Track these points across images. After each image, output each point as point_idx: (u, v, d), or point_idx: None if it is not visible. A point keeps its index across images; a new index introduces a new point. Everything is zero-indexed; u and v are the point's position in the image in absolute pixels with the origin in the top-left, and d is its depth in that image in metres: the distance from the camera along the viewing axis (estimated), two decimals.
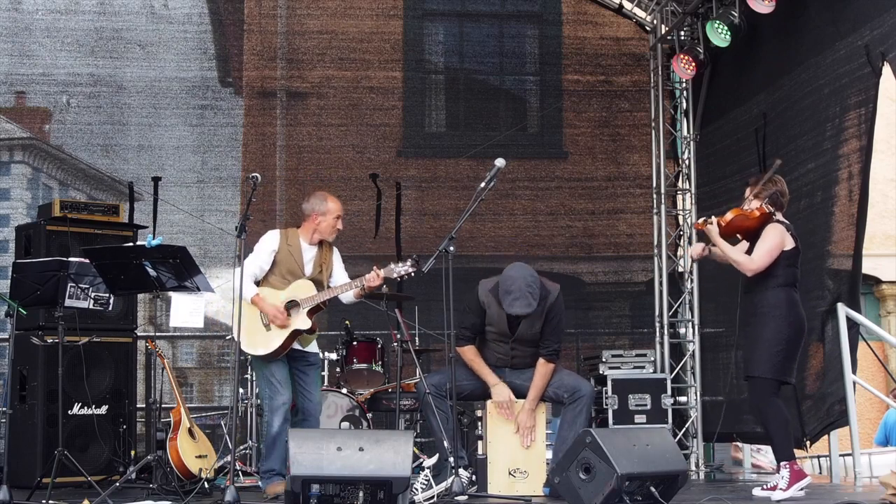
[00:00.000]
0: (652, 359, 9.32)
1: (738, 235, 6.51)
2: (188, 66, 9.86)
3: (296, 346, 6.72)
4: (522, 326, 6.62)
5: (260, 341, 6.60)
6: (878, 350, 8.98)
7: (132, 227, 8.16)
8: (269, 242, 6.77)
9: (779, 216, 6.44)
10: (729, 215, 6.38)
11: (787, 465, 6.24)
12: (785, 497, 6.18)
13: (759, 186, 6.43)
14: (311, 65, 10.07)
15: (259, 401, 7.50)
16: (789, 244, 6.34)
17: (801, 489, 6.19)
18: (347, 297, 6.79)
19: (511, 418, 6.60)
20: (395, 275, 6.60)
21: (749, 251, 6.43)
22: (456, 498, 6.08)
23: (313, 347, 6.89)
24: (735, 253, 6.38)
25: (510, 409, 6.60)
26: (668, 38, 9.74)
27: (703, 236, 6.66)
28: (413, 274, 6.62)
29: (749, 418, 8.26)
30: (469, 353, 6.72)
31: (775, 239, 6.31)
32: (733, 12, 8.34)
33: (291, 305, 6.63)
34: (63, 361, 6.29)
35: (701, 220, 6.40)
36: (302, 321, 6.62)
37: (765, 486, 6.41)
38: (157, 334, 9.47)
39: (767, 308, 6.30)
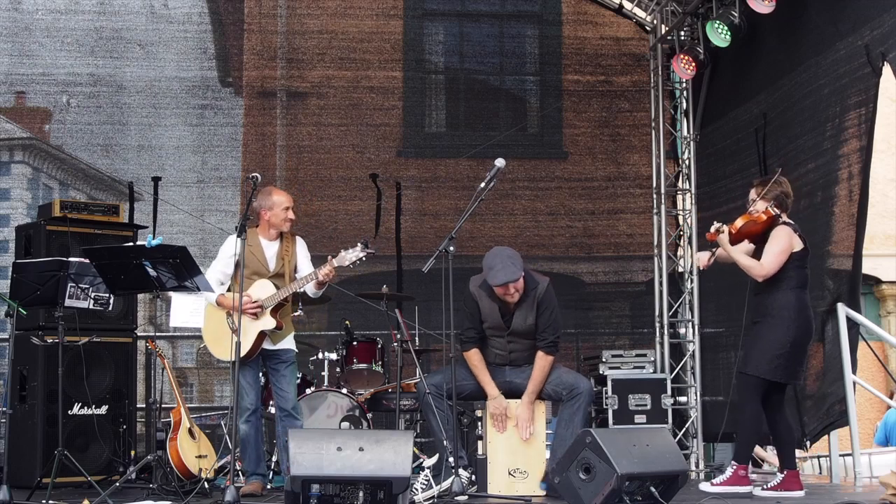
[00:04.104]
0: (652, 359, 9.32)
1: (746, 240, 6.51)
2: (188, 66, 9.86)
3: (267, 345, 6.74)
4: (516, 319, 6.63)
5: (230, 346, 6.51)
6: (878, 350, 8.98)
7: (132, 227, 8.16)
8: (229, 247, 6.73)
9: (784, 217, 6.45)
10: (739, 222, 6.38)
11: (735, 466, 6.35)
12: (712, 491, 6.29)
13: (765, 188, 6.43)
14: (311, 65, 10.06)
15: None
16: (798, 245, 6.35)
17: (733, 494, 6.23)
18: (311, 289, 6.75)
19: (502, 431, 6.59)
20: (346, 262, 6.56)
21: (755, 254, 6.44)
22: (456, 498, 6.08)
23: (287, 343, 6.85)
24: (746, 259, 6.38)
25: (503, 423, 6.59)
26: (668, 38, 9.74)
27: (706, 244, 6.65)
28: (364, 258, 6.57)
29: None
30: (474, 357, 6.71)
31: (784, 242, 6.31)
32: (733, 12, 8.34)
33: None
34: (63, 361, 6.29)
35: (713, 230, 6.38)
36: (266, 321, 6.65)
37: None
38: (157, 334, 9.47)
39: (776, 310, 6.30)
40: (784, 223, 6.39)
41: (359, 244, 6.60)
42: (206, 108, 9.91)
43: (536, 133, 10.60)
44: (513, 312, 6.65)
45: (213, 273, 6.66)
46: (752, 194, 6.50)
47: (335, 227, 9.74)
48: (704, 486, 6.44)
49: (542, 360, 6.63)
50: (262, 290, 6.68)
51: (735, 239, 6.40)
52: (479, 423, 6.87)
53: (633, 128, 10.28)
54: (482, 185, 6.52)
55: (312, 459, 5.15)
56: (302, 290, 6.77)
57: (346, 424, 7.73)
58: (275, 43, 10.05)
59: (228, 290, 6.75)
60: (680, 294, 9.82)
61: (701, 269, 6.76)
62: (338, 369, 8.18)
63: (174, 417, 7.46)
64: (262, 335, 6.69)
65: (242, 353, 6.49)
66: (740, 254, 6.41)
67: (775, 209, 6.38)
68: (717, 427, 9.17)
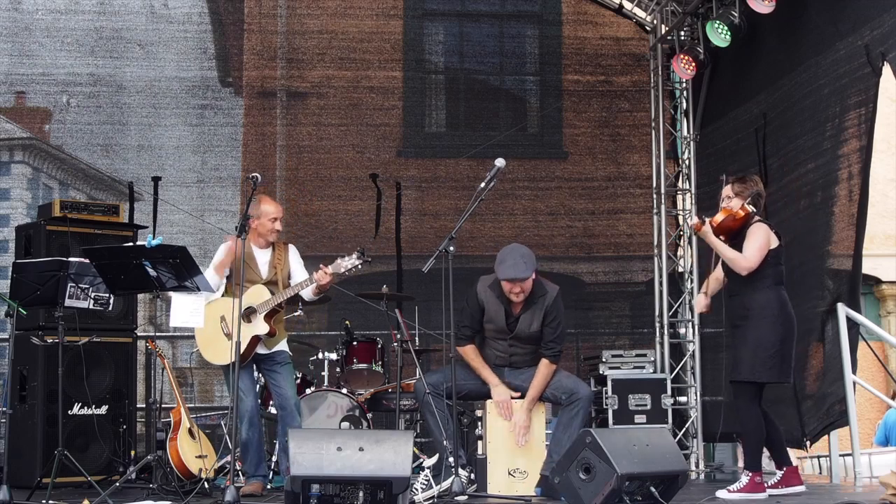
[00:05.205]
0: (652, 359, 9.31)
1: (720, 236, 6.51)
2: (188, 66, 9.86)
3: (261, 350, 6.76)
4: (521, 323, 6.62)
5: (222, 350, 6.58)
6: (878, 350, 8.97)
7: (132, 227, 8.16)
8: (224, 249, 6.80)
9: (757, 216, 6.46)
10: (719, 216, 6.40)
11: (749, 475, 6.30)
12: (730, 498, 6.24)
13: (743, 186, 6.44)
14: (311, 65, 10.07)
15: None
16: (774, 242, 6.36)
17: (751, 501, 6.22)
18: (307, 294, 6.81)
19: (509, 418, 6.60)
20: (342, 269, 6.61)
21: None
22: (456, 498, 6.08)
23: (281, 347, 6.90)
24: (730, 251, 6.36)
25: (509, 410, 6.60)
26: (668, 38, 9.74)
27: (706, 244, 6.63)
28: (360, 266, 6.62)
29: None
30: (470, 352, 6.72)
31: (763, 238, 6.31)
32: (733, 12, 8.34)
33: (249, 312, 6.66)
34: (63, 361, 6.29)
35: (698, 221, 6.38)
36: (260, 326, 6.68)
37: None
38: (157, 334, 9.46)
39: (757, 310, 6.29)
40: (759, 221, 6.40)
41: (355, 253, 6.62)
42: (206, 108, 9.91)
43: (536, 133, 10.59)
44: (518, 316, 6.64)
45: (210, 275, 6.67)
46: (728, 191, 6.47)
47: (335, 227, 9.74)
48: (721, 494, 6.36)
49: (546, 369, 6.63)
50: (258, 295, 6.69)
51: (714, 232, 6.41)
52: (479, 423, 6.87)
53: (633, 128, 10.28)
54: (482, 185, 6.52)
55: (312, 459, 5.15)
56: (298, 295, 6.80)
57: (346, 424, 7.73)
58: (275, 43, 10.05)
59: (223, 294, 6.77)
60: (680, 294, 9.82)
61: (702, 311, 6.70)
62: (338, 369, 8.18)
63: (174, 417, 7.46)
64: (256, 340, 6.70)
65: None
66: (724, 246, 6.38)
67: (751, 207, 6.39)
68: (717, 427, 9.17)
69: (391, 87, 10.16)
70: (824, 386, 7.69)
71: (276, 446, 7.12)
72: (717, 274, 6.57)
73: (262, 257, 6.85)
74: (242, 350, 6.56)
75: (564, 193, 10.28)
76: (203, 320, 6.61)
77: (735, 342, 6.45)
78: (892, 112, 12.28)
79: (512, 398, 6.66)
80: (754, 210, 6.39)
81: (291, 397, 6.82)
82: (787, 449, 6.78)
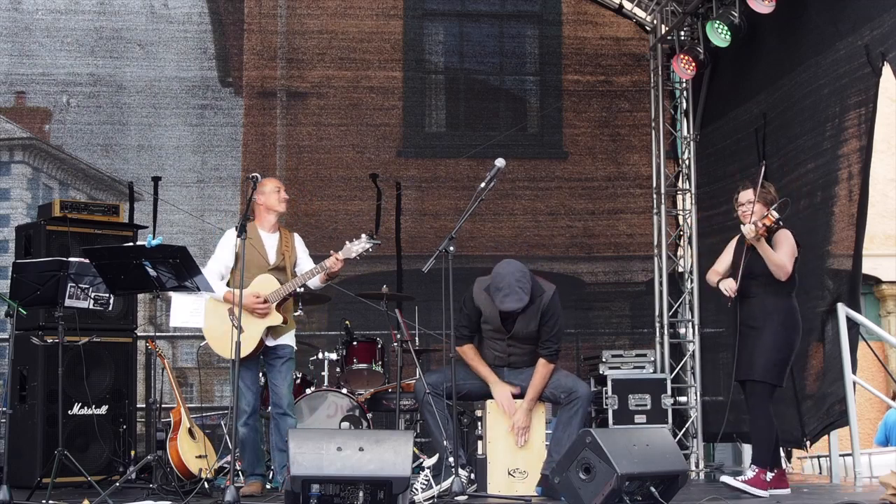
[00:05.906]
0: (652, 359, 9.32)
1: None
2: (188, 66, 9.86)
3: (267, 341, 6.75)
4: (518, 325, 6.62)
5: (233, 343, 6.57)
6: (878, 350, 8.97)
7: (132, 227, 8.17)
8: (228, 239, 6.81)
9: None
10: (765, 222, 6.36)
11: (756, 470, 6.35)
12: (735, 485, 6.31)
13: (764, 191, 6.45)
14: (311, 65, 10.07)
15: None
16: (796, 251, 6.39)
17: (754, 495, 6.25)
18: (314, 282, 6.83)
19: (512, 413, 6.60)
20: (353, 254, 6.62)
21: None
22: (456, 498, 6.08)
23: (286, 340, 6.87)
24: (776, 256, 6.35)
25: (512, 407, 6.60)
26: (668, 38, 9.74)
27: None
28: (370, 249, 6.64)
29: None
30: (469, 352, 6.72)
31: (792, 246, 6.39)
32: (733, 12, 8.34)
33: None
34: (63, 361, 6.29)
35: (761, 227, 6.30)
36: (273, 317, 6.67)
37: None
38: (157, 334, 9.46)
39: (779, 314, 6.35)
40: (784, 227, 6.42)
41: (363, 235, 6.64)
42: (206, 108, 9.91)
43: (536, 133, 10.60)
44: (515, 318, 6.64)
45: (213, 267, 6.68)
46: (751, 196, 6.46)
47: (335, 227, 9.74)
48: (726, 479, 6.44)
49: (544, 368, 6.62)
50: (266, 285, 6.68)
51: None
52: (479, 423, 6.87)
53: (633, 128, 10.28)
54: (482, 185, 6.53)
55: (312, 459, 5.15)
56: (303, 286, 6.80)
57: (346, 424, 7.73)
58: (275, 43, 10.05)
59: (229, 284, 6.76)
60: (680, 294, 9.82)
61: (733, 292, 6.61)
62: (338, 369, 8.18)
63: (174, 417, 7.46)
64: (269, 331, 6.69)
65: (249, 350, 6.53)
66: (772, 251, 6.37)
67: (776, 213, 6.40)
68: (717, 427, 9.18)
69: (391, 87, 10.16)
70: (824, 386, 7.69)
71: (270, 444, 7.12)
72: (723, 268, 6.56)
73: (269, 241, 6.86)
74: (256, 343, 6.60)
75: (564, 193, 10.28)
76: (203, 320, 6.62)
77: (748, 342, 6.46)
78: (892, 112, 12.27)
79: (512, 394, 6.66)
80: (778, 216, 6.41)
81: (285, 396, 6.79)
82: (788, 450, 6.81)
